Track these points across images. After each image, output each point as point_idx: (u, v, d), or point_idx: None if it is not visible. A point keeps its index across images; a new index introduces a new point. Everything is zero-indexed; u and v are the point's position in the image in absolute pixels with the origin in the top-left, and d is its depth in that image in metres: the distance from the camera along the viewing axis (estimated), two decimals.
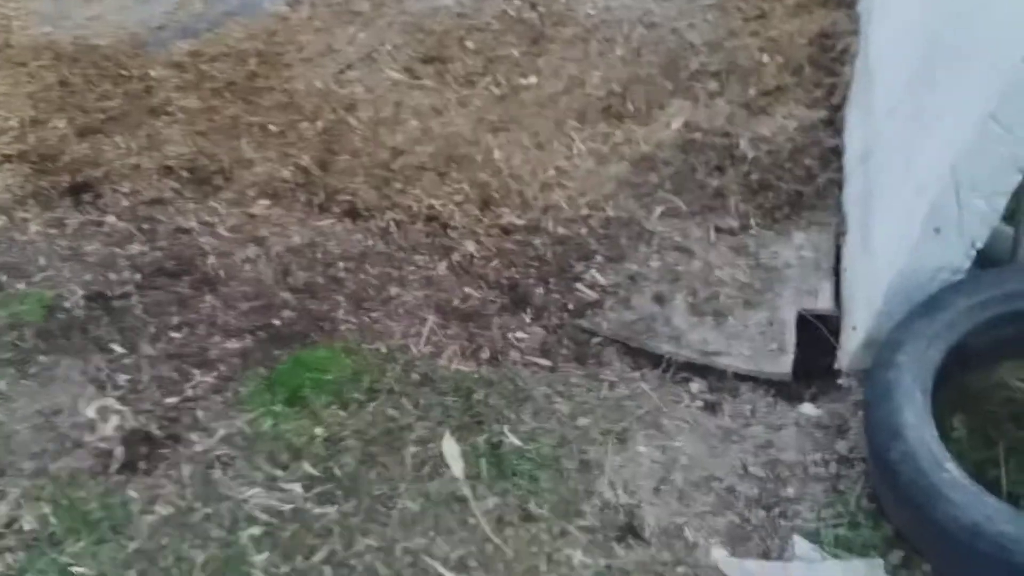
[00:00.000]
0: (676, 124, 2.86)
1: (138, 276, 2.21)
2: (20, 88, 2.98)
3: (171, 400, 1.89)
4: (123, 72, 3.12)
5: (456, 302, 2.21)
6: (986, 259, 2.00)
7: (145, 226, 2.38)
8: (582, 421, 1.89)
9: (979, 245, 1.91)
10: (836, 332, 2.14)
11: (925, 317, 1.82)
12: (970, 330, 1.84)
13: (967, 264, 1.93)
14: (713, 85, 3.05)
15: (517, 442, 1.79)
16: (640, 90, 3.05)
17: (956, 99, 1.95)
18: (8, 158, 2.65)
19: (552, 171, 2.69)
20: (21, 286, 2.18)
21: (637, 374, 2.07)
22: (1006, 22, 1.86)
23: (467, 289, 2.26)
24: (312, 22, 3.54)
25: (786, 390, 2.05)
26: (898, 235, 1.99)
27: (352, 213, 2.49)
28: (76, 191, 2.52)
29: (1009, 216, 1.96)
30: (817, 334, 2.15)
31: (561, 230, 2.49)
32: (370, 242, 2.37)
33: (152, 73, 3.13)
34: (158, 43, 3.35)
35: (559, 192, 2.61)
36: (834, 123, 2.72)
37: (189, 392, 1.91)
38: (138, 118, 2.86)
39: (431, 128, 2.89)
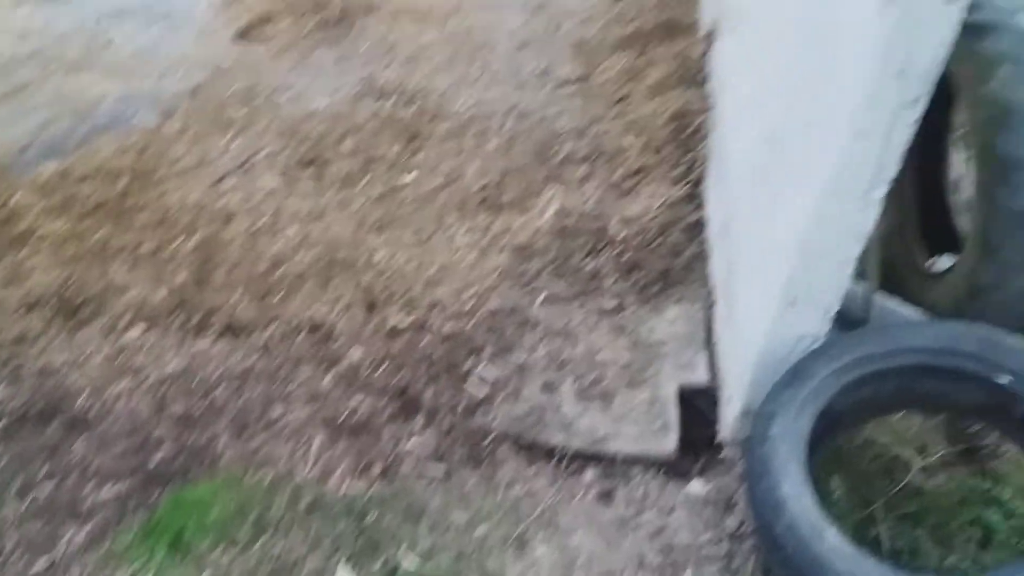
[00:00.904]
0: (551, 211, 2.95)
1: (3, 421, 2.09)
2: None
3: (40, 565, 1.77)
4: None
5: (344, 415, 2.18)
6: (844, 321, 2.13)
7: (6, 370, 2.26)
8: (480, 530, 1.88)
9: (833, 311, 2.03)
10: (715, 403, 2.22)
11: (791, 386, 1.91)
12: (834, 395, 1.93)
13: (825, 330, 2.05)
14: (583, 170, 3.18)
15: (415, 563, 1.76)
16: (515, 180, 3.15)
17: (799, 171, 2.09)
18: None
19: (435, 267, 2.72)
20: None
21: (532, 470, 2.08)
22: (837, 102, 2.03)
23: (355, 400, 2.23)
24: (185, 133, 3.51)
25: (675, 468, 2.10)
26: (759, 306, 2.09)
27: (231, 330, 2.44)
28: None
29: (859, 275, 2.10)
30: (700, 406, 2.22)
31: (448, 327, 2.51)
32: (250, 360, 2.32)
33: (15, 198, 3.02)
34: (22, 165, 3.25)
35: (443, 288, 2.64)
36: (696, 198, 2.87)
37: (61, 551, 1.79)
38: (2, 248, 2.74)
39: (311, 233, 2.89)
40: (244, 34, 4.52)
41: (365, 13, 4.81)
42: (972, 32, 1.86)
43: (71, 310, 2.49)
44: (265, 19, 4.66)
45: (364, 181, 3.19)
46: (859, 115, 1.70)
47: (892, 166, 1.74)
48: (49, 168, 3.23)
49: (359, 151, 3.38)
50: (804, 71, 2.08)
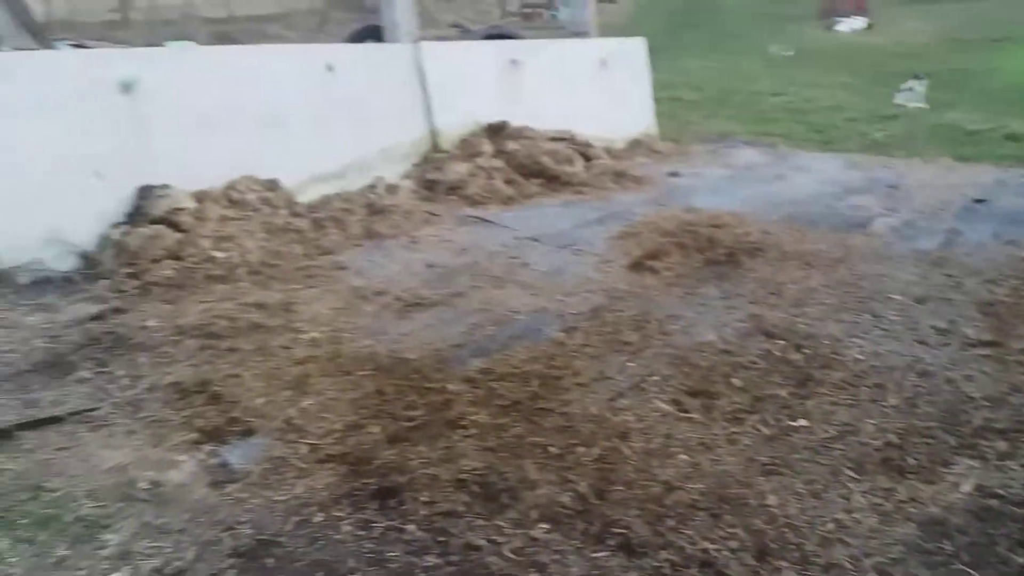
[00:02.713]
0: (966, 486, 2.72)
1: None
2: (345, 394, 3.52)
3: None
4: (427, 385, 3.60)
5: None
6: None
7: (440, 539, 2.60)
8: None
9: None
10: None
11: None
12: None
13: None
14: (1003, 445, 2.91)
15: None
16: (920, 444, 2.98)
17: None
18: (331, 458, 3.06)
19: (831, 524, 2.62)
20: None
21: None
22: None
23: None
24: (586, 349, 3.92)
25: None
26: None
27: (626, 549, 2.55)
28: (383, 496, 2.83)
29: None
30: None
31: None
32: None
33: (450, 387, 3.57)
34: (457, 360, 3.87)
35: (840, 549, 2.52)
36: None
37: None
38: (438, 429, 3.23)
39: (700, 464, 2.98)
40: (636, 266, 5.04)
41: (751, 255, 5.09)
42: None
43: (491, 496, 2.81)
44: (655, 254, 5.16)
45: (753, 420, 3.25)
46: None
47: None
48: (476, 365, 3.79)
49: (748, 388, 3.48)
50: None
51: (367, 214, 6.12)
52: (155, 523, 2.74)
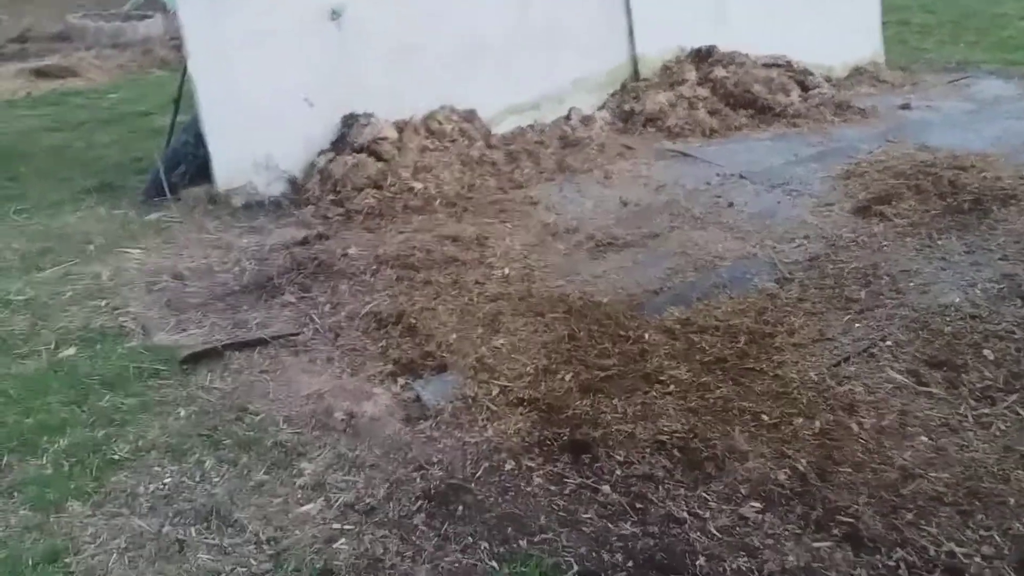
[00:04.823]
0: None
1: (630, 564, 2.19)
2: (537, 336, 3.37)
3: None
4: (621, 332, 3.36)
5: None
6: None
7: (638, 504, 2.40)
8: None
9: None
10: None
11: None
12: None
13: None
14: None
15: None
16: None
17: None
18: (522, 402, 2.94)
19: None
20: (523, 543, 2.30)
21: None
22: None
23: None
24: (802, 304, 3.51)
25: None
26: None
27: (853, 540, 2.22)
28: (576, 449, 2.66)
29: None
30: None
31: None
32: None
33: (646, 336, 3.32)
34: (653, 307, 3.59)
35: None
36: None
37: None
38: (633, 383, 3.00)
39: (945, 449, 2.55)
40: (863, 211, 4.45)
41: (1003, 203, 4.34)
42: None
43: (694, 463, 2.56)
44: (886, 198, 4.53)
45: (1010, 400, 2.74)
46: None
47: None
48: (674, 314, 3.49)
49: (1002, 362, 2.96)
50: None
51: (560, 147, 5.88)
52: (348, 455, 2.75)
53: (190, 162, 5.23)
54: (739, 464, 2.53)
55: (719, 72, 6.58)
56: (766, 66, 6.70)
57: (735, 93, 6.46)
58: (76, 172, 6.04)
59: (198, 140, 5.15)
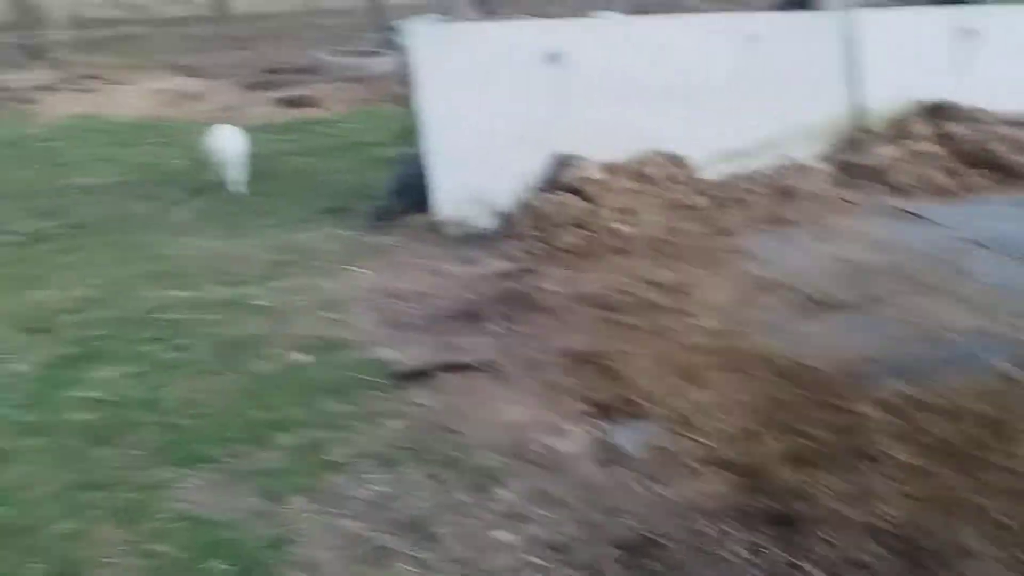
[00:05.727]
0: None
1: None
2: (738, 395, 3.27)
3: None
4: (834, 401, 3.17)
5: None
6: None
7: None
8: None
9: None
10: None
11: None
12: None
13: None
14: None
15: None
16: None
17: None
18: (723, 464, 2.85)
19: None
20: None
21: None
22: None
23: None
24: None
25: None
26: None
27: None
28: (780, 521, 2.54)
29: None
30: None
31: None
32: None
33: (862, 409, 3.11)
34: (869, 377, 3.36)
35: None
36: None
37: None
38: (847, 458, 2.82)
39: None
40: None
41: None
42: None
43: (913, 555, 2.36)
44: None
45: None
46: None
47: None
48: (896, 388, 3.24)
49: None
50: None
51: (772, 196, 5.70)
52: (543, 489, 2.80)
53: (413, 192, 5.63)
54: (965, 562, 2.29)
55: (954, 127, 6.11)
56: (1010, 124, 6.12)
57: (971, 151, 5.97)
58: (314, 193, 6.69)
59: (421, 172, 5.52)
